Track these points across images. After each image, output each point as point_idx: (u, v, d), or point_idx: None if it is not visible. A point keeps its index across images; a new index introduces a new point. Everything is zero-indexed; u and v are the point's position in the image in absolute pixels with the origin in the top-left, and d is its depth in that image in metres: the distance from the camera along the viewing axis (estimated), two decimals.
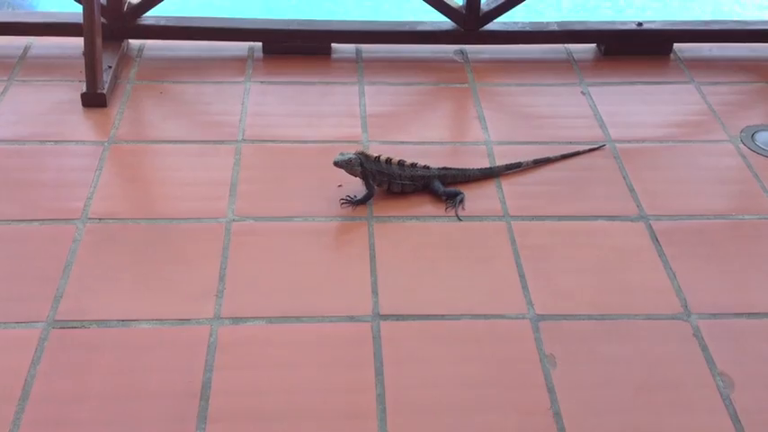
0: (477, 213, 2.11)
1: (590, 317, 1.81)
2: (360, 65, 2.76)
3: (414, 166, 2.17)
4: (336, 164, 2.12)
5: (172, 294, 1.86)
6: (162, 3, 2.74)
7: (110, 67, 2.60)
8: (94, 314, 1.80)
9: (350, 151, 2.14)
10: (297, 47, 2.79)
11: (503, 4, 2.70)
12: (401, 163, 2.15)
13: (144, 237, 2.03)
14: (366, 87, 2.63)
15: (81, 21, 2.64)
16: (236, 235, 2.04)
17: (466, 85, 2.66)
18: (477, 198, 2.16)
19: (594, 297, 1.87)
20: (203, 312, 1.82)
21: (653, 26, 2.77)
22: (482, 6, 2.71)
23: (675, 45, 2.77)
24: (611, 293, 1.88)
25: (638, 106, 2.55)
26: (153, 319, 1.80)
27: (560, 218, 2.09)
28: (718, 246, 2.02)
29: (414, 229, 2.08)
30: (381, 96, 2.61)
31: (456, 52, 2.82)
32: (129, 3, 2.72)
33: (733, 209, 2.13)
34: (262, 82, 2.65)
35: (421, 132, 2.45)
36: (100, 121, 2.45)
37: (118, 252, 1.98)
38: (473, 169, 2.22)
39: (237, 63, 2.76)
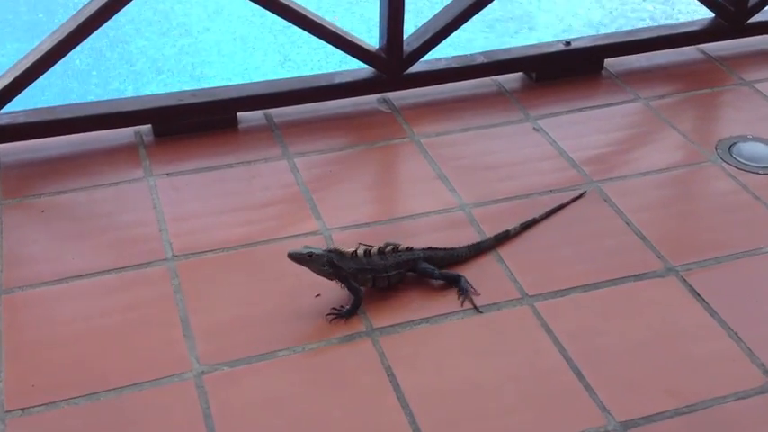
0: (492, 300, 1.79)
1: (677, 412, 1.55)
2: (276, 133, 2.34)
3: (396, 250, 1.81)
4: (291, 257, 1.72)
5: None
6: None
7: None
8: None
9: (316, 246, 1.76)
10: (195, 123, 2.32)
11: (427, 41, 2.39)
12: (382, 251, 1.79)
13: (90, 424, 1.53)
14: (296, 161, 2.23)
15: None
16: (212, 392, 1.58)
17: (407, 140, 2.33)
18: (482, 279, 1.83)
19: (669, 382, 1.60)
20: None
21: (581, 44, 2.60)
22: (405, 47, 2.40)
23: (606, 60, 2.62)
24: (683, 374, 1.63)
25: (598, 136, 2.33)
26: None
27: (584, 288, 1.82)
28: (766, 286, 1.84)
29: (428, 335, 1.71)
30: (318, 169, 2.21)
31: (379, 101, 2.47)
32: None
33: (759, 241, 1.95)
34: (168, 174, 2.16)
35: (384, 208, 2.09)
36: None
37: None
38: (460, 247, 1.89)
39: (127, 154, 2.24)
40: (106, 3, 2.09)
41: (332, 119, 2.42)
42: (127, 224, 2.00)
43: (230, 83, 4.60)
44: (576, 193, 2.07)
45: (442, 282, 1.83)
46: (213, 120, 2.33)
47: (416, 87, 2.46)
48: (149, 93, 4.58)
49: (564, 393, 1.60)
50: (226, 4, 5.26)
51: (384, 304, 1.78)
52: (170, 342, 1.69)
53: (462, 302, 1.78)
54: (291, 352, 1.67)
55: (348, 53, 2.40)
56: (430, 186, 2.14)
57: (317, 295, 1.80)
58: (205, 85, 4.77)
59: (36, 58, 2.13)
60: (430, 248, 1.85)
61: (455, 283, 1.81)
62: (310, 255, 1.74)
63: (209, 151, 2.26)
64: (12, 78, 2.13)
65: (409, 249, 1.82)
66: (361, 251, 1.77)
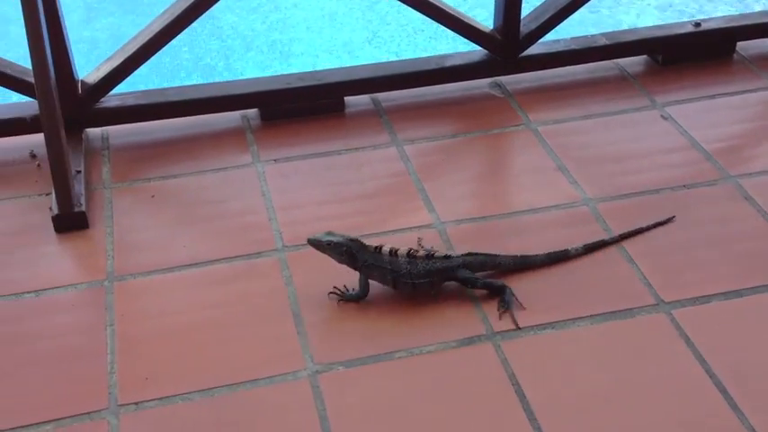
0: (624, 305, 1.64)
1: None
2: (384, 119, 2.25)
3: (431, 257, 1.67)
4: (311, 242, 1.69)
5: None
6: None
7: (78, 171, 1.99)
8: None
9: (338, 233, 1.68)
10: (302, 107, 2.26)
11: (546, 21, 2.25)
12: (412, 255, 1.66)
13: (205, 421, 1.48)
14: (406, 148, 2.14)
15: (18, 115, 2.07)
16: (328, 392, 1.51)
17: (522, 127, 2.20)
18: (611, 282, 1.69)
19: None
20: None
21: (713, 24, 2.40)
22: (521, 28, 2.27)
23: (738, 43, 2.42)
24: None
25: (733, 125, 2.15)
26: None
27: (726, 295, 1.64)
28: None
29: (554, 341, 1.59)
30: (429, 157, 2.11)
31: (491, 85, 2.35)
32: (84, 82, 2.12)
33: None
34: (275, 160, 2.10)
35: (500, 200, 1.97)
36: (86, 250, 1.84)
37: None
38: (504, 255, 1.73)
39: (234, 138, 2.19)
40: None
41: (442, 104, 2.30)
42: (236, 212, 1.95)
43: (318, 59, 4.58)
44: (663, 217, 1.84)
45: (485, 291, 1.68)
46: (320, 104, 2.26)
47: (532, 71, 2.32)
48: (239, 68, 4.59)
49: (707, 413, 1.46)
50: None
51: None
52: (283, 338, 1.63)
53: (501, 316, 1.63)
54: (409, 354, 1.58)
55: (461, 34, 2.28)
56: (549, 178, 2.01)
57: (434, 294, 1.71)
58: (293, 62, 4.76)
59: (146, 39, 2.09)
60: (470, 253, 1.71)
61: (499, 294, 1.67)
62: (329, 243, 1.68)
63: (317, 137, 2.19)
64: (121, 60, 2.11)
65: (447, 257, 1.68)
66: (386, 248, 1.67)
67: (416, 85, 2.30)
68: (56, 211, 1.87)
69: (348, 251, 1.67)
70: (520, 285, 1.71)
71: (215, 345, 1.63)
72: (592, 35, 2.37)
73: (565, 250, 1.76)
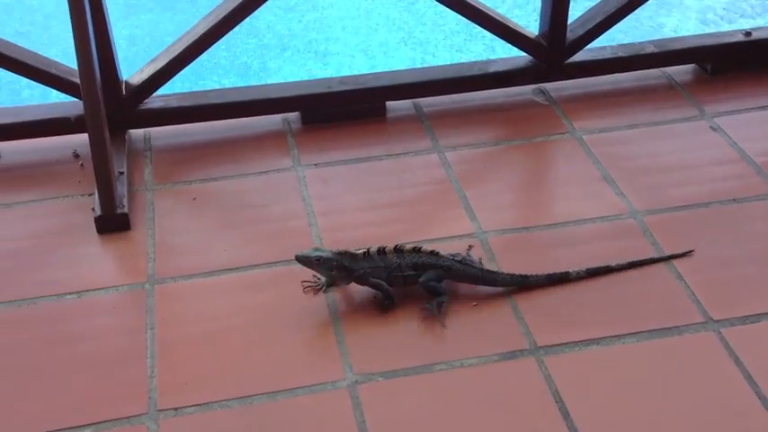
0: (671, 322, 1.60)
1: None
2: (426, 124, 2.23)
3: (417, 251, 1.69)
4: (299, 259, 1.66)
5: None
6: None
7: (121, 172, 1.99)
8: None
9: (325, 249, 1.68)
10: (343, 111, 2.25)
11: (594, 27, 2.21)
12: (399, 249, 1.69)
13: (242, 428, 1.46)
14: (447, 154, 2.11)
15: (63, 115, 2.08)
16: (367, 404, 1.49)
17: (567, 135, 2.16)
18: (658, 297, 1.65)
19: None
20: None
21: (764, 34, 2.34)
22: (568, 34, 2.23)
23: None
24: None
25: None
26: None
27: None
28: None
29: (599, 359, 1.55)
30: (471, 165, 2.08)
31: (535, 92, 2.31)
32: (128, 84, 2.13)
33: None
34: (316, 165, 2.09)
35: (544, 210, 1.94)
36: (127, 252, 1.85)
37: None
38: (501, 272, 1.70)
39: (275, 141, 2.18)
40: None
41: (484, 110, 2.28)
42: (277, 216, 1.94)
43: (353, 59, 4.56)
44: (684, 250, 1.77)
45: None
46: (361, 108, 2.24)
47: (578, 78, 2.28)
48: (274, 67, 4.60)
49: None
50: None
51: (546, 317, 1.65)
52: (322, 346, 1.61)
53: (425, 309, 1.64)
54: (449, 367, 1.56)
55: (506, 40, 2.24)
56: (595, 188, 1.97)
57: (475, 304, 1.68)
58: (329, 61, 4.75)
59: (190, 41, 2.09)
60: (462, 261, 1.70)
61: (435, 294, 1.66)
62: (318, 258, 1.66)
63: (357, 141, 2.18)
64: (165, 62, 2.11)
65: (434, 253, 1.68)
66: (374, 249, 1.69)
67: (459, 90, 2.27)
68: (99, 212, 1.88)
69: (339, 265, 1.66)
70: (558, 298, 1.69)
71: (254, 351, 1.62)
72: (639, 42, 2.32)
73: (566, 272, 1.72)
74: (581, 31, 2.23)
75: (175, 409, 1.50)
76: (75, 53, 1.84)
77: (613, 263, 1.73)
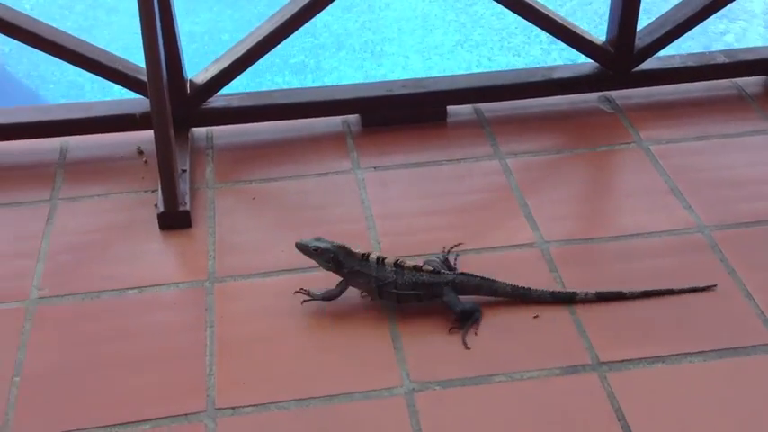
0: (740, 342, 1.56)
1: None
2: (487, 129, 2.20)
3: (418, 269, 1.65)
4: (299, 247, 1.69)
5: None
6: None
7: (184, 170, 2.01)
8: None
9: (326, 240, 1.68)
10: (403, 115, 2.24)
11: (664, 35, 2.15)
12: (399, 265, 1.65)
13: (299, 430, 1.46)
14: (509, 161, 2.08)
15: (129, 111, 2.11)
16: (424, 412, 1.47)
17: (633, 145, 2.11)
18: (723, 316, 1.61)
19: None
20: None
21: None
22: (636, 42, 2.18)
23: None
24: None
25: None
26: None
27: None
28: None
29: (665, 377, 1.51)
30: (532, 172, 2.04)
31: (601, 99, 2.26)
32: (193, 82, 2.15)
33: None
34: (375, 168, 2.08)
35: (608, 221, 1.90)
36: (188, 249, 1.86)
37: None
38: (503, 282, 1.67)
39: (334, 143, 2.18)
40: None
41: (547, 117, 2.24)
42: (335, 219, 1.93)
43: (408, 60, 4.53)
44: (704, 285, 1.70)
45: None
46: (421, 112, 2.23)
47: (645, 86, 2.23)
48: (329, 67, 4.61)
49: None
50: None
51: (609, 332, 1.61)
52: (380, 351, 1.60)
53: (449, 330, 1.62)
54: (509, 378, 1.53)
55: (571, 45, 2.20)
56: (661, 201, 1.92)
57: (535, 316, 1.65)
58: (384, 62, 4.75)
59: (254, 42, 2.10)
60: (463, 273, 1.67)
61: (467, 317, 1.63)
62: (316, 249, 1.68)
63: (417, 146, 2.16)
64: (229, 62, 2.12)
65: (436, 272, 1.65)
66: (374, 256, 1.67)
67: (522, 96, 2.24)
68: (161, 209, 1.90)
69: (334, 258, 1.67)
70: (621, 313, 1.64)
71: (311, 353, 1.62)
72: (710, 52, 2.26)
73: (572, 293, 1.67)
74: (650, 39, 2.17)
75: (233, 408, 1.51)
76: (143, 52, 1.86)
77: (626, 290, 1.67)
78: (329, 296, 1.69)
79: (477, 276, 1.68)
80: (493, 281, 1.68)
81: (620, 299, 1.67)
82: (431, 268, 1.67)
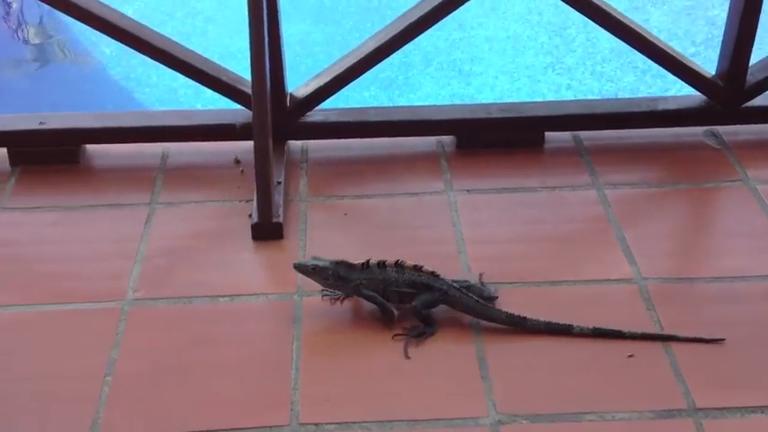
0: None
1: None
2: (585, 159, 2.15)
3: (417, 269, 1.69)
4: (296, 267, 1.71)
5: None
6: None
7: (279, 182, 2.05)
8: None
9: (323, 258, 1.70)
10: (500, 138, 2.21)
11: None
12: (399, 264, 1.70)
13: None
14: (607, 192, 2.03)
15: (229, 121, 2.14)
16: None
17: (738, 183, 2.03)
18: None
19: None
20: None
21: None
22: (748, 77, 2.10)
23: None
24: None
25: None
26: None
27: None
28: None
29: (761, 429, 1.44)
30: (631, 205, 1.99)
31: (707, 134, 2.19)
32: (293, 96, 2.18)
33: None
34: (468, 191, 2.06)
35: (710, 261, 1.82)
36: (279, 261, 1.87)
37: None
38: (498, 309, 1.67)
39: (428, 163, 2.18)
40: (437, 5, 2.03)
41: (649, 148, 2.17)
42: (426, 240, 1.92)
43: (497, 80, 4.47)
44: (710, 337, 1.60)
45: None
46: (518, 137, 2.20)
47: (755, 123, 2.14)
48: (417, 83, 4.61)
49: None
50: (505, 0, 5.15)
51: (708, 376, 1.53)
52: (466, 378, 1.57)
53: (393, 336, 1.64)
54: (600, 418, 1.48)
55: (679, 77, 2.14)
56: (766, 244, 1.84)
57: (630, 356, 1.59)
58: (472, 81, 4.71)
59: (354, 60, 2.12)
60: (462, 286, 1.68)
61: (425, 323, 1.65)
62: (314, 267, 1.69)
63: (512, 171, 2.13)
64: (329, 78, 2.14)
65: (434, 275, 1.69)
66: (373, 261, 1.70)
67: (624, 127, 2.19)
68: (255, 219, 1.93)
69: (335, 274, 1.69)
70: (721, 357, 1.57)
71: (395, 374, 1.60)
72: None
73: (569, 326, 1.63)
74: (762, 75, 2.08)
75: (316, 424, 1.51)
76: (249, 64, 1.90)
77: (625, 329, 1.62)
78: (389, 316, 1.68)
79: (473, 298, 1.68)
80: (489, 306, 1.68)
81: (618, 338, 1.61)
82: (431, 270, 1.69)
